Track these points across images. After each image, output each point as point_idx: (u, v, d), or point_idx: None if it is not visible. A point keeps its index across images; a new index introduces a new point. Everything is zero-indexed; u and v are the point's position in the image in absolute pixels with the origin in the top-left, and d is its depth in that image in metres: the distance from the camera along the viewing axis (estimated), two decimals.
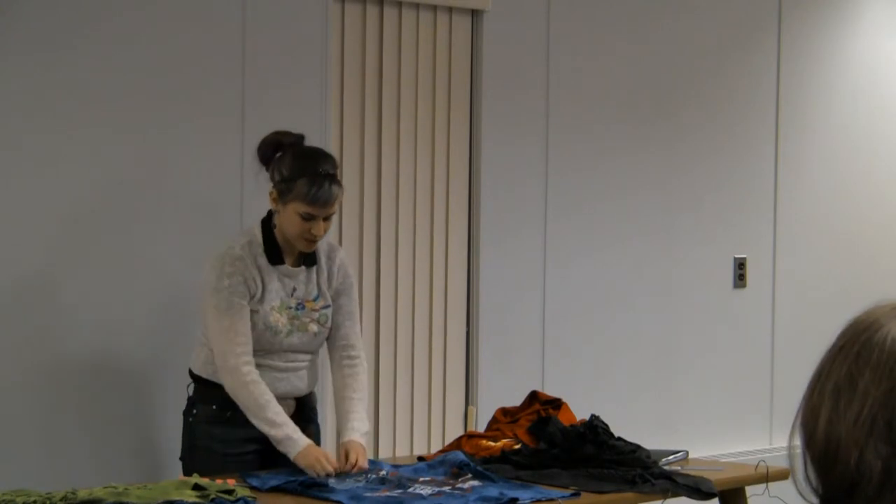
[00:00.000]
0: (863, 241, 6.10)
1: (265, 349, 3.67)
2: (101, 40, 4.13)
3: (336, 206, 3.67)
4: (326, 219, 3.64)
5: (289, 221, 3.63)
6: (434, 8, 4.81)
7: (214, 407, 3.69)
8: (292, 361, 3.73)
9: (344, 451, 3.61)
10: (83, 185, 4.12)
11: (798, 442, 1.40)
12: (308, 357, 3.78)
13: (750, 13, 5.71)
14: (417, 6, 4.77)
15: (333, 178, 3.64)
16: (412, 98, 4.78)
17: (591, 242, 5.25)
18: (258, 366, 3.64)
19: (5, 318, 4.02)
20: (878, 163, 6.16)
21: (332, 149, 4.54)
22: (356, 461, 3.55)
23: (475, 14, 4.92)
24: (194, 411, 3.74)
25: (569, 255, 5.18)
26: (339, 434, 3.77)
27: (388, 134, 4.73)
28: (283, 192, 3.63)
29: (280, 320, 3.67)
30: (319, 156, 3.69)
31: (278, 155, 3.68)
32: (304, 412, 3.78)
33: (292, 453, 3.53)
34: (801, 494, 1.39)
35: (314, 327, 3.74)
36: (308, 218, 3.60)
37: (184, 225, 4.25)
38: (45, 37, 4.04)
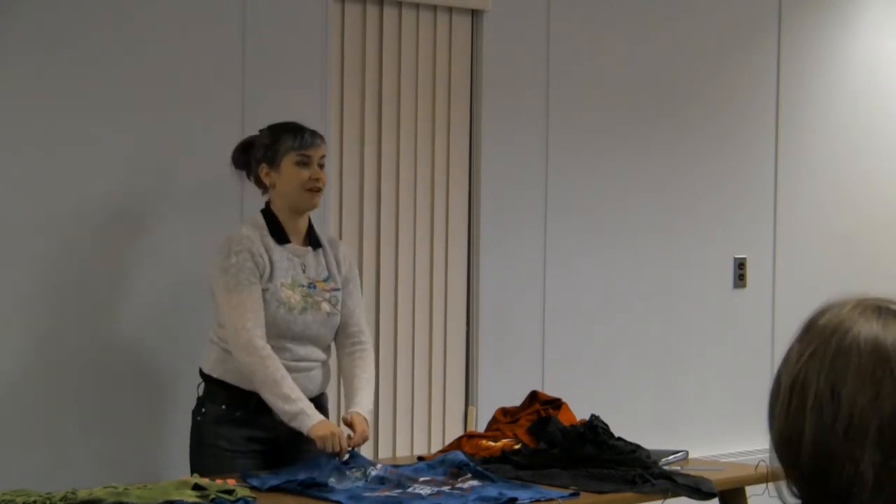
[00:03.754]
0: (863, 241, 6.10)
1: (282, 333, 3.67)
2: (102, 40, 4.13)
3: (325, 150, 3.82)
4: (321, 166, 3.78)
5: (288, 178, 3.75)
6: (434, 8, 4.81)
7: (223, 407, 3.71)
8: (304, 360, 3.73)
9: (350, 419, 3.64)
10: (84, 184, 4.12)
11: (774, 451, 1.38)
12: (322, 357, 3.79)
13: (750, 13, 5.71)
14: (417, 6, 4.77)
15: (311, 129, 3.82)
16: (412, 98, 4.78)
17: (591, 242, 5.25)
18: None
19: (6, 317, 4.01)
20: (878, 163, 6.16)
21: (331, 149, 4.55)
22: (360, 434, 3.60)
23: (475, 14, 4.92)
24: (203, 410, 3.75)
25: (569, 255, 5.18)
26: (344, 407, 3.77)
27: (388, 134, 4.73)
28: (271, 157, 3.79)
29: (293, 297, 3.70)
30: (291, 121, 3.87)
31: (251, 147, 3.86)
32: None
33: (305, 427, 3.54)
34: None
35: (326, 307, 3.77)
36: (304, 162, 3.75)
37: (186, 224, 4.25)
38: (45, 36, 4.04)
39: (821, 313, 1.38)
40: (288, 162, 3.75)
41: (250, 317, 3.61)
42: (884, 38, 6.16)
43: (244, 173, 3.90)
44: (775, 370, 1.42)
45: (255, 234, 3.71)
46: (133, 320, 4.20)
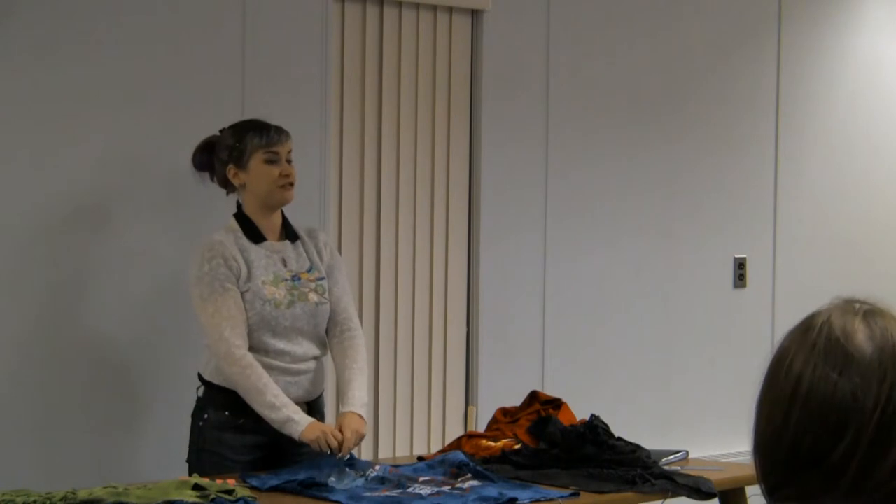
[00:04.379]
0: (863, 241, 6.10)
1: (273, 330, 3.64)
2: (102, 41, 4.13)
3: (291, 144, 3.76)
4: (289, 162, 3.73)
5: (258, 177, 3.71)
6: (434, 8, 4.81)
7: (227, 413, 3.66)
8: (302, 361, 3.71)
9: (339, 425, 3.60)
10: (86, 184, 4.12)
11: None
12: (317, 352, 3.76)
13: (750, 13, 5.71)
14: (417, 6, 4.77)
15: (276, 126, 3.76)
16: (412, 98, 4.78)
17: (591, 242, 5.25)
18: (271, 368, 3.62)
19: (5, 314, 4.01)
20: (877, 162, 6.16)
21: (332, 149, 4.55)
22: (350, 438, 3.55)
23: (475, 14, 4.92)
24: (205, 416, 3.70)
25: (569, 255, 5.18)
26: (338, 405, 3.76)
27: (388, 134, 4.73)
28: (238, 157, 3.73)
29: (277, 293, 3.66)
30: (254, 118, 3.82)
31: (212, 147, 3.81)
32: (313, 417, 3.73)
33: (296, 434, 3.52)
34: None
35: (314, 297, 3.73)
36: (272, 159, 3.70)
37: (184, 224, 4.25)
38: (47, 36, 4.04)
39: (836, 332, 1.37)
40: (256, 161, 3.70)
41: (226, 325, 3.57)
42: (884, 38, 6.16)
43: (206, 175, 3.86)
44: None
45: (229, 237, 3.67)
46: (131, 319, 4.20)
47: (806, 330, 1.39)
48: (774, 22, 5.79)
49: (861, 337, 1.36)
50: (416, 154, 4.80)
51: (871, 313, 1.39)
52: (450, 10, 4.86)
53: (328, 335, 3.83)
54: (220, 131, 3.84)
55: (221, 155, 3.77)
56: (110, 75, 4.14)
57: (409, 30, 4.76)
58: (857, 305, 1.41)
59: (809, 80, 5.92)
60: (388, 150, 4.73)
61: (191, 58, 4.28)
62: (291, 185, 3.73)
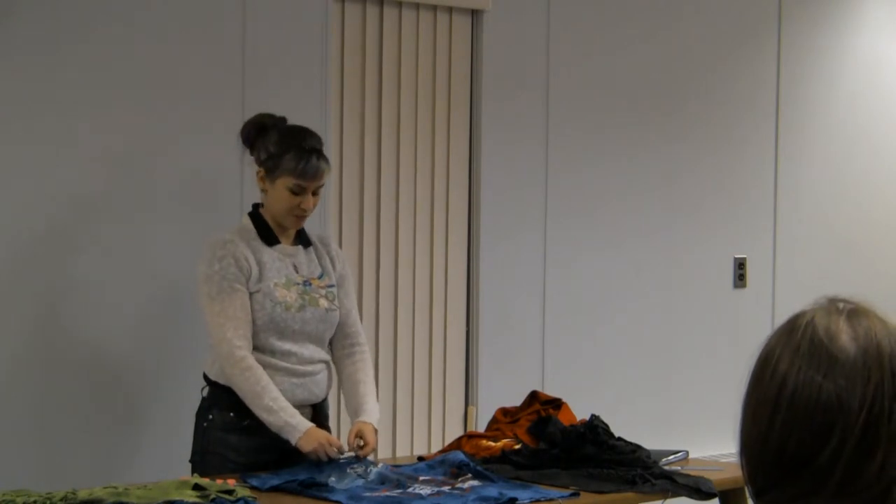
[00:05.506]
0: (863, 241, 6.10)
1: (282, 332, 3.62)
2: (102, 40, 4.13)
3: (324, 180, 3.69)
4: (315, 194, 3.67)
5: (278, 197, 3.66)
6: (434, 8, 4.81)
7: (232, 414, 3.63)
8: (310, 363, 3.70)
9: (357, 430, 3.61)
10: (85, 184, 4.12)
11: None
12: (325, 357, 3.75)
13: (750, 13, 5.71)
14: (417, 6, 4.77)
15: (320, 153, 3.68)
16: (412, 98, 4.78)
17: (591, 243, 5.25)
18: (277, 369, 3.61)
19: (5, 315, 4.01)
20: (877, 162, 6.16)
21: (331, 149, 4.54)
22: (365, 444, 3.57)
23: (475, 14, 4.92)
24: (210, 416, 3.67)
25: (569, 255, 5.18)
26: (353, 416, 3.75)
27: (388, 134, 4.73)
28: (270, 168, 3.66)
29: (288, 295, 3.64)
30: (305, 132, 3.72)
31: (263, 135, 3.71)
32: (318, 420, 3.71)
33: (293, 440, 3.50)
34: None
35: (325, 303, 3.72)
36: (297, 191, 3.63)
37: (185, 222, 4.25)
38: (47, 36, 4.04)
39: (820, 333, 1.37)
40: (282, 182, 3.64)
41: (230, 326, 3.55)
42: (884, 38, 6.16)
43: (248, 149, 3.79)
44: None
45: (241, 239, 3.65)
46: (131, 319, 4.20)
47: (790, 331, 1.40)
48: (774, 22, 5.79)
49: (845, 338, 1.36)
50: (416, 154, 4.80)
51: (854, 313, 1.39)
52: (450, 10, 4.86)
53: (335, 345, 3.82)
54: (276, 120, 3.74)
55: (259, 152, 3.70)
56: (110, 75, 4.14)
57: (409, 30, 4.76)
58: (842, 305, 1.41)
59: (809, 80, 5.92)
60: (388, 150, 4.73)
61: (191, 57, 4.28)
62: (304, 217, 3.70)
